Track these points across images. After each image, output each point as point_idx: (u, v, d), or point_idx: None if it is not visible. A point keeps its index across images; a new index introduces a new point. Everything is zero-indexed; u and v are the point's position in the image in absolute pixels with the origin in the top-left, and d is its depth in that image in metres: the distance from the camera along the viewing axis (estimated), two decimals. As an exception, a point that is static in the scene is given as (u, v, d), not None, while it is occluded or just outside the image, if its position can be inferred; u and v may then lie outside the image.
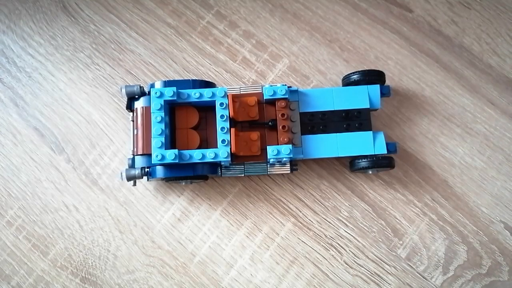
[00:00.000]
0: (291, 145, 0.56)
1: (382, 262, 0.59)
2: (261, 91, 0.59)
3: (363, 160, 0.57)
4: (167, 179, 0.58)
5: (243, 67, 0.66)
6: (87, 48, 0.67)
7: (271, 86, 0.58)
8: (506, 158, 0.62)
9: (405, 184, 0.62)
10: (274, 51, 0.67)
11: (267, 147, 0.56)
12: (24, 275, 0.60)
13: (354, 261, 0.60)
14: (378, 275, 0.59)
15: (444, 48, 0.66)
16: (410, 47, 0.66)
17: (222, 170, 0.58)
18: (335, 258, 0.60)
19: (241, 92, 0.59)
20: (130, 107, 0.59)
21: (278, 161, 0.57)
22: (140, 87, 0.57)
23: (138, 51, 0.67)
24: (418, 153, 0.63)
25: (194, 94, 0.56)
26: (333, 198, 0.62)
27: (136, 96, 0.58)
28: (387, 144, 0.58)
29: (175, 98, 0.56)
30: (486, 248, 0.60)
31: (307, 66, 0.66)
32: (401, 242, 0.60)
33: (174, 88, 0.56)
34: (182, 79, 0.63)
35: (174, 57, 0.67)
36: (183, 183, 0.60)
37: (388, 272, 0.59)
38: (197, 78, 0.65)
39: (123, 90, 0.57)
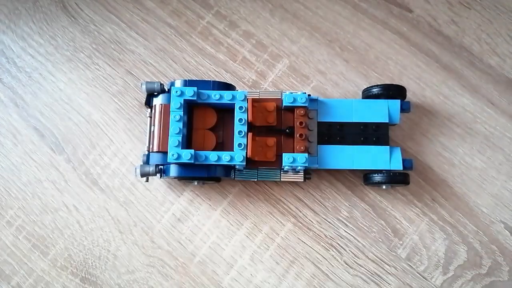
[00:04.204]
0: (307, 154, 0.56)
1: (382, 262, 0.59)
2: (280, 97, 0.59)
3: (378, 174, 0.57)
4: (180, 178, 0.58)
5: (243, 67, 0.66)
6: (87, 48, 0.67)
7: (291, 93, 0.58)
8: (506, 158, 0.62)
9: (405, 184, 0.62)
10: (274, 51, 0.67)
11: (283, 154, 0.56)
12: (24, 275, 0.60)
13: (354, 261, 0.60)
14: (378, 275, 0.59)
15: (444, 48, 0.66)
16: (410, 47, 0.66)
17: (236, 173, 0.58)
18: (335, 258, 0.60)
19: (260, 97, 0.59)
20: (148, 103, 0.59)
21: (292, 169, 0.57)
22: (161, 84, 0.58)
23: (138, 51, 0.67)
24: (418, 153, 0.63)
25: (214, 96, 0.56)
26: (333, 198, 0.62)
27: (156, 93, 0.59)
28: (403, 161, 0.58)
29: (195, 98, 0.56)
30: (486, 248, 0.60)
31: (307, 66, 0.66)
32: (401, 242, 0.60)
33: (195, 88, 0.56)
34: (202, 79, 0.63)
35: (174, 57, 0.67)
36: (195, 183, 0.60)
37: (388, 272, 0.59)
38: (216, 79, 0.65)
39: (144, 86, 0.58)
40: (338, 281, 0.59)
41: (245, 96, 0.57)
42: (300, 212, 0.61)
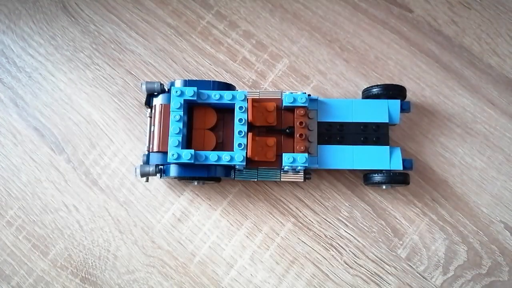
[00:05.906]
0: (307, 154, 0.56)
1: (382, 262, 0.59)
2: (280, 97, 0.59)
3: (378, 174, 0.57)
4: (180, 178, 0.58)
5: (243, 67, 0.66)
6: (87, 48, 0.67)
7: (292, 93, 0.58)
8: (506, 158, 0.62)
9: (405, 184, 0.62)
10: (274, 51, 0.67)
11: (283, 154, 0.56)
12: (24, 275, 0.60)
13: (354, 261, 0.60)
14: (378, 275, 0.59)
15: (444, 48, 0.66)
16: (410, 47, 0.66)
17: (236, 173, 0.58)
18: (335, 258, 0.60)
19: (260, 97, 0.59)
20: (148, 103, 0.59)
21: (292, 169, 0.57)
22: (160, 84, 0.58)
23: (138, 51, 0.67)
24: (418, 153, 0.63)
25: (214, 96, 0.56)
26: (333, 198, 0.62)
27: (156, 93, 0.59)
28: (403, 161, 0.58)
29: (195, 98, 0.56)
30: (486, 248, 0.60)
31: (307, 66, 0.66)
32: (401, 242, 0.60)
33: (195, 88, 0.56)
34: (202, 79, 0.63)
35: (174, 57, 0.67)
36: (195, 183, 0.60)
37: (388, 272, 0.59)
38: (216, 80, 0.65)
39: (144, 86, 0.58)
40: (338, 281, 0.59)
41: (245, 96, 0.57)
42: (300, 212, 0.61)
